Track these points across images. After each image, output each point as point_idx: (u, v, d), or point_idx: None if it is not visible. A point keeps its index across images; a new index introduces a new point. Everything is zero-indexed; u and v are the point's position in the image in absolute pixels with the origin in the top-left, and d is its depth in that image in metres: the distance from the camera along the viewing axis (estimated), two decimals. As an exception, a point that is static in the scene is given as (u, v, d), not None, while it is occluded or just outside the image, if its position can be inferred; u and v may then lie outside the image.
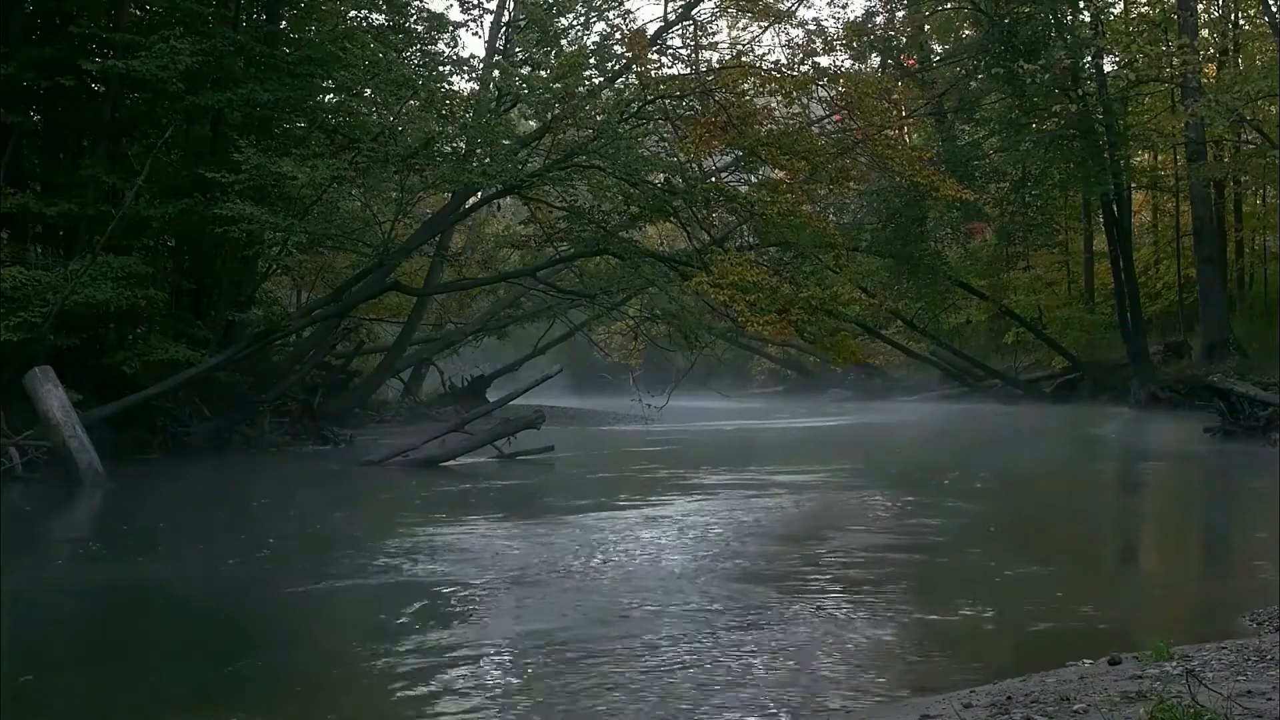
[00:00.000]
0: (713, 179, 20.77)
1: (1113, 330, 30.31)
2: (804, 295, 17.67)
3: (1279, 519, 10.39)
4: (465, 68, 22.13)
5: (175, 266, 19.87)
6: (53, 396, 14.65)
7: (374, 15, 22.00)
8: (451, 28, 22.17)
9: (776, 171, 20.52)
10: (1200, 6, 27.48)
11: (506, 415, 18.91)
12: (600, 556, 9.40)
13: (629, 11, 53.06)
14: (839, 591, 7.79)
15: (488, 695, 5.54)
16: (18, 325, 15.15)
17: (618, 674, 5.84)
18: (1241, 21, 28.56)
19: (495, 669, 6.05)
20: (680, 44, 21.21)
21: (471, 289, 26.75)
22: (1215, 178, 26.71)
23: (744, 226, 21.65)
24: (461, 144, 19.39)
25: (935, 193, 20.60)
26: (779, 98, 21.17)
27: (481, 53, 24.43)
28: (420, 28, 21.47)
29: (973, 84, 29.59)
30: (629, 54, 19.46)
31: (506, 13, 24.30)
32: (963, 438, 23.96)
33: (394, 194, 19.56)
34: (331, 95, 20.72)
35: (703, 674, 5.81)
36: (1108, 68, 27.34)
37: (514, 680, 5.86)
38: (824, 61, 24.20)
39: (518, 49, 23.78)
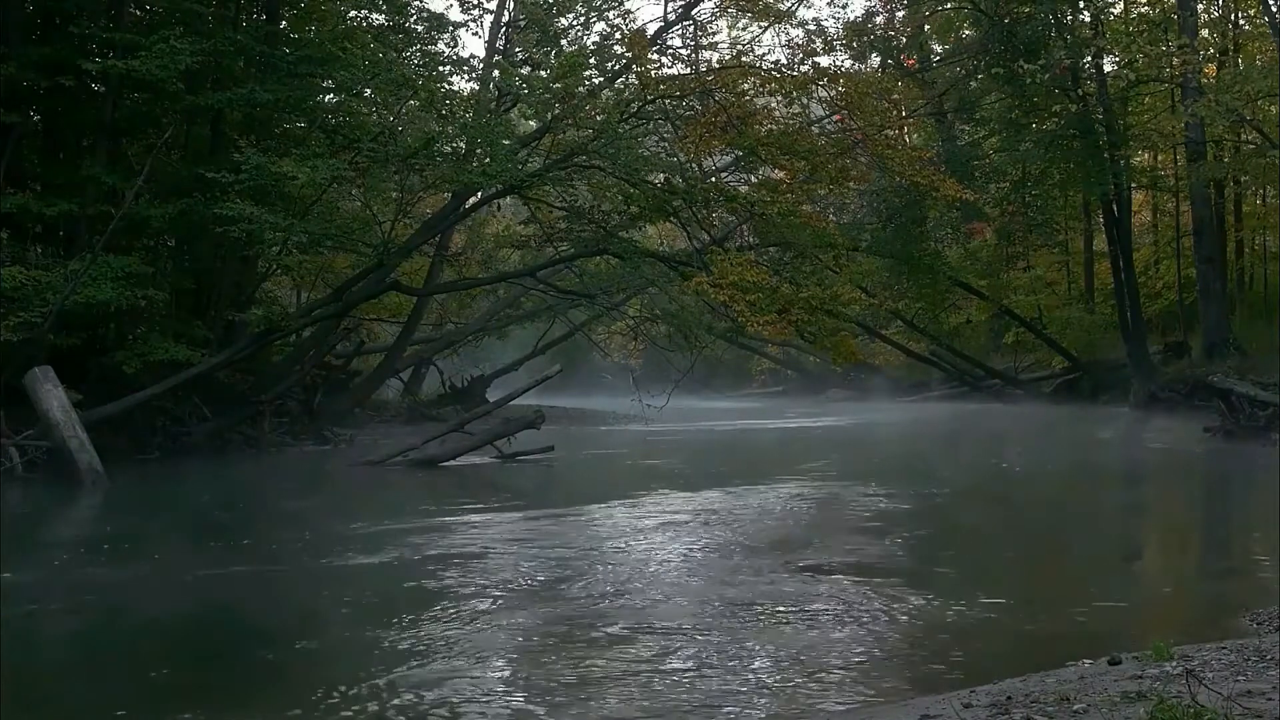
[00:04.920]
0: (713, 179, 20.76)
1: (1113, 330, 30.29)
2: (804, 295, 17.66)
3: (1279, 519, 10.40)
4: (465, 68, 22.15)
5: (175, 266, 19.86)
6: (53, 396, 14.65)
7: (374, 15, 21.99)
8: (451, 28, 22.20)
9: (776, 171, 20.52)
10: (1200, 6, 27.45)
11: (506, 415, 18.90)
12: (599, 557, 9.40)
13: (629, 11, 53.15)
14: (838, 591, 7.78)
15: (486, 694, 5.54)
16: (18, 325, 15.15)
17: (617, 674, 5.84)
18: (1241, 21, 28.54)
19: (492, 667, 6.05)
20: (680, 44, 21.25)
21: (471, 289, 26.74)
22: (1215, 178, 26.68)
23: (744, 226, 21.66)
24: (461, 144, 19.39)
25: (935, 193, 20.58)
26: (779, 98, 21.16)
27: (481, 53, 24.46)
28: (420, 28, 21.47)
29: (973, 84, 29.57)
30: (629, 54, 19.45)
31: (506, 13, 24.30)
32: (962, 438, 23.97)
33: (394, 194, 19.57)
34: (331, 95, 20.71)
35: (702, 673, 5.81)
36: (1108, 68, 27.31)
37: (512, 678, 5.85)
38: (824, 61, 24.24)
39: (518, 49, 23.79)
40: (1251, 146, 26.38)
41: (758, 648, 6.28)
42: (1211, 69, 26.83)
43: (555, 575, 8.58)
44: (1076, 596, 7.63)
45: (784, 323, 17.31)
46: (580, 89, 19.25)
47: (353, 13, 22.22)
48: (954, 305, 33.41)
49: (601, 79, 20.34)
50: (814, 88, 21.09)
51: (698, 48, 21.00)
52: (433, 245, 23.29)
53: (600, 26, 30.40)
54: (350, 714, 5.28)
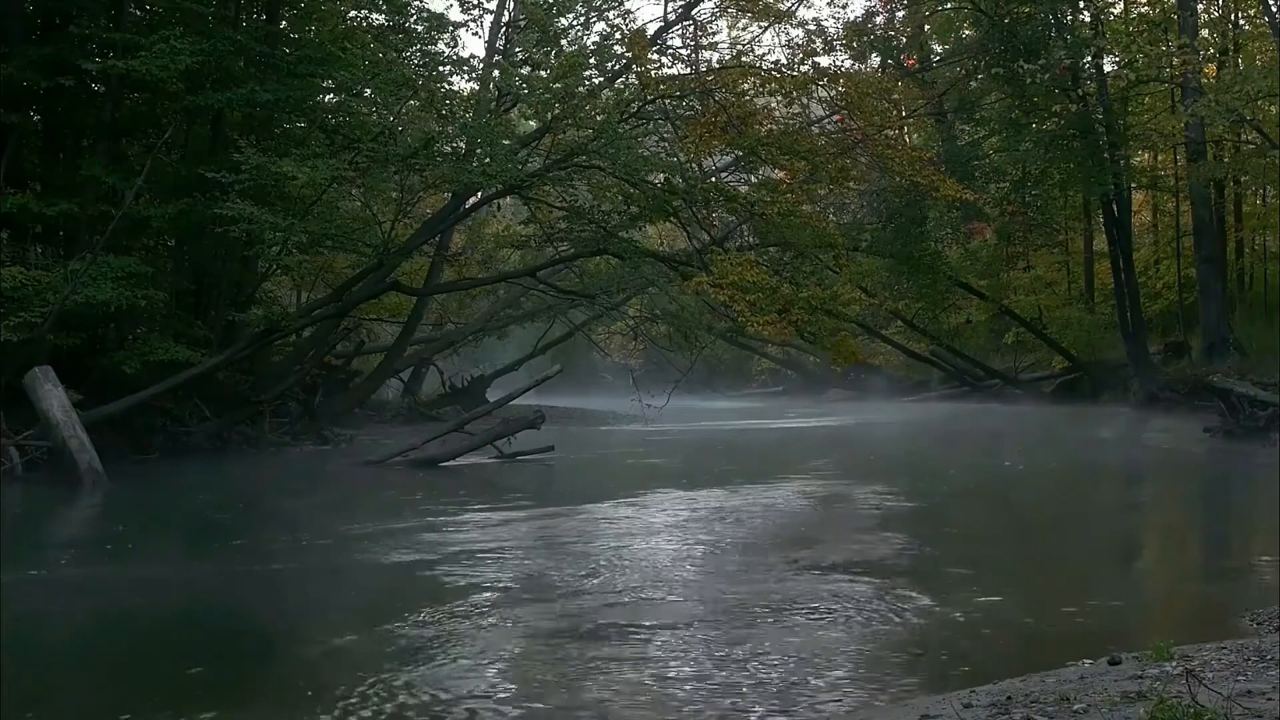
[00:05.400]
0: (713, 179, 20.76)
1: (1113, 330, 30.26)
2: (804, 295, 17.67)
3: (1279, 519, 10.40)
4: (465, 68, 22.13)
5: (175, 266, 19.86)
6: (53, 396, 14.65)
7: (374, 15, 22.00)
8: (451, 28, 22.16)
9: (776, 171, 20.51)
10: (1200, 6, 27.43)
11: (506, 415, 18.90)
12: (599, 557, 9.41)
13: (629, 11, 53.06)
14: (838, 590, 7.79)
15: (488, 693, 5.54)
16: (18, 325, 15.15)
17: (616, 673, 5.84)
18: (1241, 21, 28.52)
19: (495, 667, 6.05)
20: (680, 44, 21.24)
21: (471, 289, 26.74)
22: (1215, 178, 26.65)
23: (744, 226, 21.65)
24: (461, 144, 19.39)
25: (935, 193, 20.58)
26: (779, 98, 21.16)
27: (481, 53, 24.44)
28: (420, 28, 21.46)
29: (973, 84, 29.55)
30: (629, 54, 19.45)
31: (506, 13, 24.28)
32: (962, 438, 23.96)
33: (394, 194, 19.58)
34: (331, 95, 20.71)
35: (702, 673, 5.81)
36: (1108, 68, 27.31)
37: (514, 677, 5.85)
38: (824, 61, 24.22)
39: (518, 49, 23.77)
40: (1251, 146, 26.35)
41: (758, 647, 6.28)
42: (1211, 69, 26.81)
43: (556, 574, 8.58)
44: (1076, 596, 7.63)
45: (784, 323, 17.31)
46: (580, 89, 19.25)
47: (353, 13, 22.22)
48: (954, 305, 33.35)
49: (601, 79, 20.34)
50: (814, 88, 21.08)
51: (698, 48, 21.01)
52: (433, 245, 23.28)
53: (600, 26, 30.36)
54: (352, 714, 5.28)
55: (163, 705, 5.52)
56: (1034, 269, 36.32)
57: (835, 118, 22.63)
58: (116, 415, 16.50)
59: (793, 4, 25.47)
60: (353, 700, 5.43)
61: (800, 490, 14.42)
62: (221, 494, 14.96)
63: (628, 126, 18.62)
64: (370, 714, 5.27)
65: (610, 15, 21.99)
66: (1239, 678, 4.82)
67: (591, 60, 19.83)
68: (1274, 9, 22.74)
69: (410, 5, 21.06)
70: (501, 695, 5.54)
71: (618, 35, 20.50)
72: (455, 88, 22.58)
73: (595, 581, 8.30)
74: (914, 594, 7.72)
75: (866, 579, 8.24)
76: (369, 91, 20.01)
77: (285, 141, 19.14)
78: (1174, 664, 5.08)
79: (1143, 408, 25.06)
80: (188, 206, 17.21)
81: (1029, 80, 25.03)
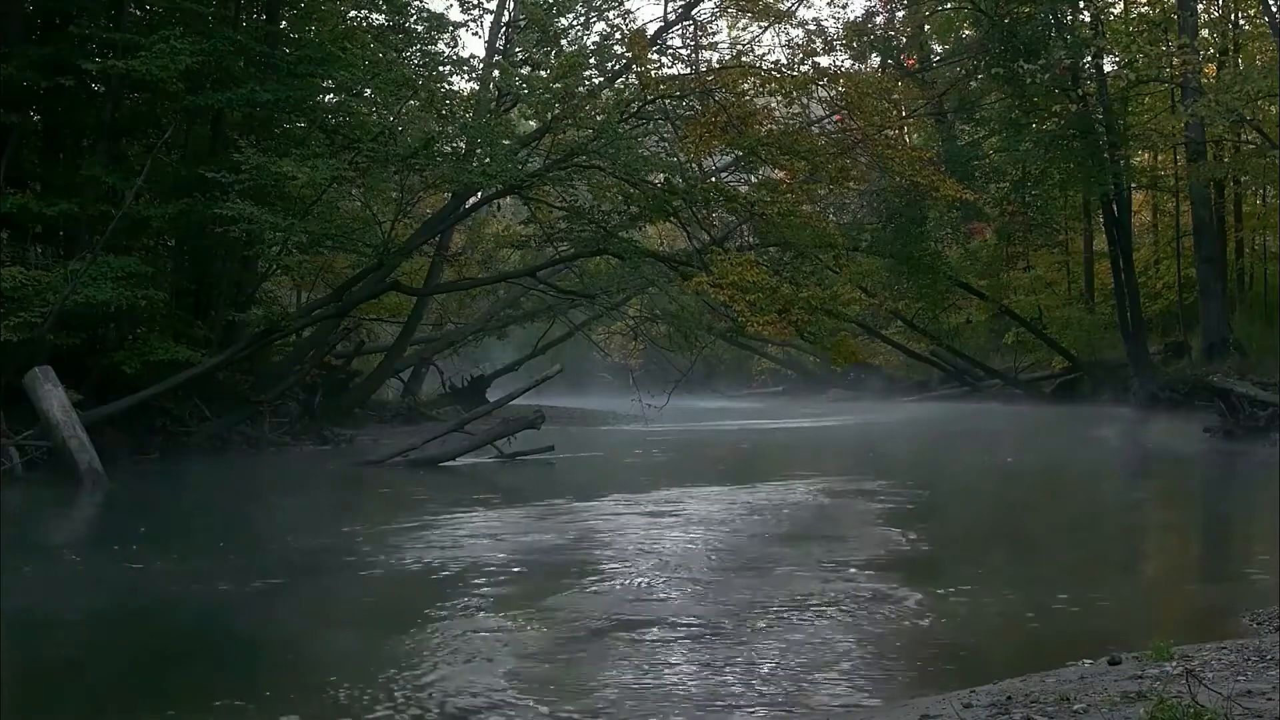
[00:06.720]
0: (713, 179, 20.76)
1: (1113, 330, 30.27)
2: (804, 295, 17.68)
3: (1279, 519, 10.40)
4: (465, 68, 22.14)
5: (175, 266, 19.87)
6: (53, 396, 14.65)
7: (374, 15, 22.01)
8: (451, 28, 22.17)
9: (776, 171, 20.51)
10: (1200, 6, 27.43)
11: (506, 415, 18.90)
12: (599, 557, 9.41)
13: (629, 11, 53.02)
14: (838, 590, 7.79)
15: (489, 692, 5.54)
16: (18, 325, 15.16)
17: (617, 673, 5.84)
18: (1241, 21, 28.53)
19: (495, 666, 6.05)
20: (680, 44, 21.24)
21: (471, 289, 26.74)
22: (1215, 178, 26.66)
23: (744, 226, 21.65)
24: (461, 144, 19.40)
25: (935, 193, 20.58)
26: (779, 98, 21.16)
27: (481, 53, 24.45)
28: (420, 28, 21.46)
29: (973, 84, 29.55)
30: (629, 54, 19.46)
31: (506, 13, 24.29)
32: (962, 438, 23.96)
33: (394, 194, 19.58)
34: (331, 95, 20.72)
35: (702, 673, 5.82)
36: (1108, 68, 27.32)
37: (514, 676, 5.85)
38: (824, 61, 24.21)
39: (518, 49, 23.77)
40: (1251, 146, 26.36)
41: (758, 646, 6.28)
42: (1211, 69, 26.81)
43: (556, 573, 8.58)
44: (1076, 596, 7.63)
45: (784, 323, 17.32)
46: (580, 89, 19.25)
47: (353, 13, 22.23)
48: (954, 305, 33.34)
49: (601, 79, 20.33)
50: (814, 88, 21.07)
51: (698, 48, 21.01)
52: (433, 245, 23.29)
53: (600, 26, 30.34)
54: (353, 714, 5.28)
55: (164, 705, 5.52)
56: (1034, 269, 36.33)
57: (835, 118, 22.62)
58: (116, 415, 16.51)
59: (793, 4, 25.49)
60: (354, 700, 5.43)
61: (799, 490, 14.41)
62: (221, 495, 14.96)
63: (628, 126, 18.63)
64: (371, 713, 5.26)
65: (610, 15, 22.01)
66: (1239, 678, 4.82)
67: (591, 60, 19.83)
68: (1274, 9, 22.75)
69: (410, 5, 21.07)
70: (504, 694, 5.54)
71: (618, 35, 20.51)
72: (455, 88, 22.63)
73: (595, 580, 8.30)
74: (914, 593, 7.72)
75: (866, 578, 8.24)
76: (369, 91, 20.02)
77: (285, 141, 19.15)
78: (1174, 664, 5.08)
79: (1143, 408, 25.06)
80: (188, 206, 17.22)
81: (1029, 80, 25.04)
